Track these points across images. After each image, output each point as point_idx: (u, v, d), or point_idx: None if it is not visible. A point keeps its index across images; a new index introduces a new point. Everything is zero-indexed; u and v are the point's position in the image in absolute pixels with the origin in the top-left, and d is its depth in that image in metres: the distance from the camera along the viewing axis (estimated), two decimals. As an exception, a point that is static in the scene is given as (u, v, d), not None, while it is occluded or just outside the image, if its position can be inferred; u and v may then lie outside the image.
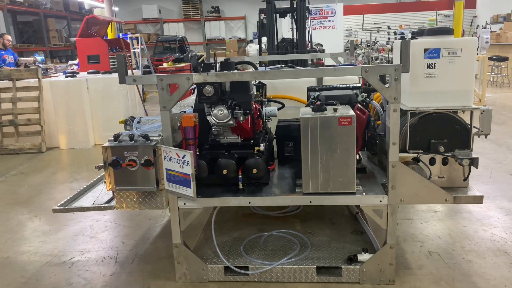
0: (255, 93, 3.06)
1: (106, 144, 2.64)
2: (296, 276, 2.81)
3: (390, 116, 2.53)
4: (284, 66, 4.15)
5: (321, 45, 18.24)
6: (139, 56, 11.31)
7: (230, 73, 2.61)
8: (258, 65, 4.04)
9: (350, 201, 2.70)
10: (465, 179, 2.73)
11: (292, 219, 3.56)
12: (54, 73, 8.45)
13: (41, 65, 8.44)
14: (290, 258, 2.90)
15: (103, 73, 7.24)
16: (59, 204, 2.95)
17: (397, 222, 3.66)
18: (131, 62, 10.11)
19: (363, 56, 17.82)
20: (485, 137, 2.73)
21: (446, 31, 2.69)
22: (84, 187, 3.28)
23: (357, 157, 3.19)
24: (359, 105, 3.09)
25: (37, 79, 6.80)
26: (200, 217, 3.21)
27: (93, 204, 2.94)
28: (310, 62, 8.26)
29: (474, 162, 2.61)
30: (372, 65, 2.50)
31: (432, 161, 2.73)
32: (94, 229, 3.85)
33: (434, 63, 2.63)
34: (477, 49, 12.05)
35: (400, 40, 2.47)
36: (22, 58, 8.23)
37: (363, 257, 2.80)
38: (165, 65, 10.44)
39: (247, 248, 3.10)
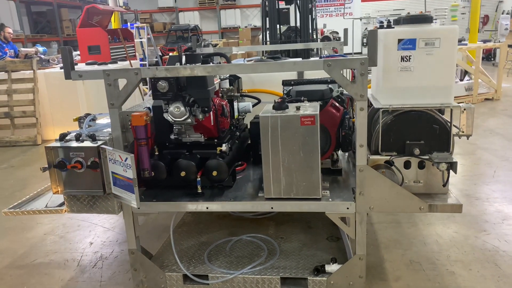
0: (217, 88, 2.82)
1: (51, 144, 2.47)
2: (258, 287, 2.60)
3: (357, 115, 2.27)
4: (267, 57, 3.90)
5: (337, 33, 17.77)
6: (145, 46, 11.17)
7: (181, 67, 2.38)
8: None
9: (315, 208, 2.46)
10: (444, 184, 2.45)
11: (268, 221, 3.34)
12: (57, 64, 8.39)
13: (42, 56, 8.39)
14: (254, 267, 2.69)
15: (99, 64, 7.12)
16: (10, 206, 2.82)
17: (383, 226, 3.41)
18: (135, 52, 9.99)
19: (380, 44, 17.22)
20: (467, 139, 2.44)
21: (423, 19, 2.40)
22: (45, 186, 3.14)
23: (334, 157, 2.95)
24: (334, 101, 2.84)
25: (32, 71, 6.72)
26: (174, 216, 3.03)
27: (45, 206, 2.79)
28: (315, 51, 7.96)
29: (452, 166, 2.32)
30: (335, 59, 2.23)
31: (407, 165, 2.46)
32: (66, 228, 3.72)
33: (409, 56, 2.35)
34: (496, 36, 11.43)
35: (368, 30, 2.20)
36: (23, 49, 8.18)
37: (331, 267, 2.57)
38: (171, 54, 10.23)
39: (212, 254, 2.90)
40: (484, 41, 10.30)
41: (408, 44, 2.34)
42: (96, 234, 3.59)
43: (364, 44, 18.51)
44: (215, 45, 18.48)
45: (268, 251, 2.88)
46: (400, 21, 2.47)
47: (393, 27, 2.51)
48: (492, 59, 14.76)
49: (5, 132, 6.85)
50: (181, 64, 2.83)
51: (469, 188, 4.07)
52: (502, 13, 17.03)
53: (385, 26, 2.65)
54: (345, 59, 2.24)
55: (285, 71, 2.32)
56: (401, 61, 2.37)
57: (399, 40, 2.35)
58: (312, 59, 3.47)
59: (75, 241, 3.49)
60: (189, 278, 2.68)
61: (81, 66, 7.38)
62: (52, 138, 6.95)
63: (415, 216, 3.54)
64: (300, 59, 4.21)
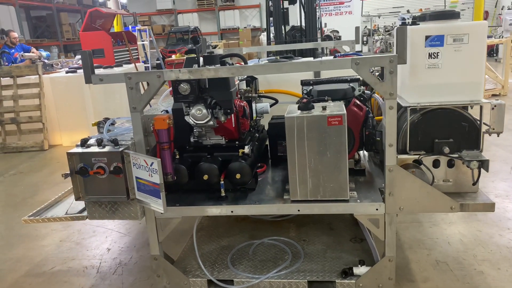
0: (237, 89, 2.78)
1: (72, 150, 2.42)
2: (285, 291, 2.56)
3: (386, 114, 2.22)
4: (280, 57, 3.84)
5: (337, 32, 17.71)
6: (147, 49, 11.10)
7: (204, 69, 2.34)
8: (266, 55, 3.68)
9: (343, 210, 2.42)
10: (475, 183, 2.40)
11: (288, 224, 3.29)
12: (60, 69, 8.33)
13: (46, 61, 8.33)
14: (280, 271, 2.64)
15: (104, 68, 7.07)
16: (30, 214, 2.77)
17: (404, 226, 3.36)
18: (138, 55, 9.93)
19: (381, 42, 17.25)
20: (497, 136, 2.39)
21: (451, 15, 2.35)
22: (62, 193, 3.09)
23: (357, 157, 2.90)
24: (356, 100, 2.79)
25: (38, 76, 6.66)
26: (190, 220, 2.99)
27: (66, 213, 2.74)
28: (320, 51, 7.91)
29: (484, 164, 2.28)
30: (363, 57, 2.19)
31: (436, 164, 2.41)
32: (82, 234, 3.67)
33: (437, 52, 2.31)
34: (501, 32, 11.40)
35: (396, 27, 2.16)
36: (26, 54, 8.12)
37: (360, 270, 2.52)
38: (173, 57, 10.17)
39: (234, 258, 2.85)
40: (487, 37, 10.27)
41: (436, 40, 2.29)
42: (113, 239, 3.53)
43: (364, 42, 18.49)
44: (215, 47, 18.47)
45: (292, 254, 2.83)
46: (426, 17, 2.43)
47: (418, 24, 2.47)
48: (494, 54, 14.74)
49: (11, 138, 6.80)
50: (199, 66, 2.78)
51: (487, 185, 4.02)
52: (502, 9, 17.02)
53: (407, 23, 2.59)
54: (374, 57, 2.19)
55: (311, 71, 2.27)
56: (429, 58, 2.32)
57: (427, 37, 2.30)
58: (328, 57, 3.42)
59: (92, 247, 3.43)
60: (213, 283, 2.63)
61: (86, 70, 7.31)
62: (59, 143, 6.92)
63: (436, 215, 3.49)
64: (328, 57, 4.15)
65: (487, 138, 2.43)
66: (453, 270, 2.74)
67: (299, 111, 2.36)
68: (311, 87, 2.99)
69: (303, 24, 7.65)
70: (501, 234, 3.16)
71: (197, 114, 2.51)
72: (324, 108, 2.35)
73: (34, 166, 5.96)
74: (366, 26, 19.11)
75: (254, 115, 3.18)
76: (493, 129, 2.34)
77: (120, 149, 2.35)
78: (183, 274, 2.65)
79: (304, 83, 3.09)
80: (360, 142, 2.73)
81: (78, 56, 10.24)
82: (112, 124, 2.72)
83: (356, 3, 19.09)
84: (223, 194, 2.58)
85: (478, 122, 2.36)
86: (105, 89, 6.71)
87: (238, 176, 2.54)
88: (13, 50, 8.46)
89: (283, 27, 7.62)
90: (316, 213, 2.45)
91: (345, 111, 2.31)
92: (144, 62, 11.06)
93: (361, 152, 3.01)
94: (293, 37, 8.00)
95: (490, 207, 2.33)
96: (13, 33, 8.55)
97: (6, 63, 8.00)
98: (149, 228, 2.58)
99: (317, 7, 7.96)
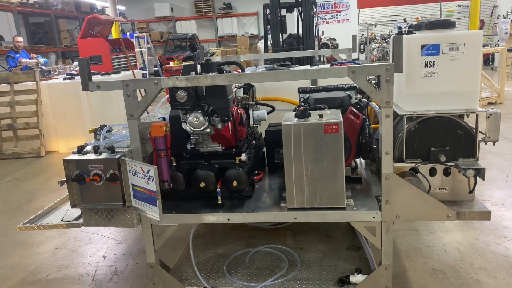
0: (234, 96, 2.78)
1: (69, 157, 2.41)
2: (281, 300, 2.54)
3: (382, 122, 2.23)
4: (277, 65, 3.86)
5: (335, 40, 17.81)
6: (145, 56, 11.12)
7: (202, 76, 2.34)
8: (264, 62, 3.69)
9: (340, 218, 2.42)
10: (471, 191, 2.41)
11: (285, 231, 3.28)
12: (58, 75, 8.33)
13: (43, 67, 8.34)
14: (276, 279, 2.63)
15: (102, 75, 7.07)
16: (25, 221, 2.75)
17: (401, 234, 3.36)
18: (136, 62, 9.95)
19: (377, 50, 17.36)
20: (493, 144, 2.40)
21: (446, 24, 2.37)
22: (58, 200, 3.07)
23: (353, 165, 2.91)
24: (353, 108, 2.80)
25: (35, 82, 6.66)
26: (187, 228, 2.97)
27: (61, 220, 2.72)
28: (317, 59, 7.95)
29: (480, 173, 2.29)
30: (360, 65, 2.20)
31: (432, 172, 2.42)
32: (77, 242, 3.65)
33: (433, 61, 2.32)
34: (496, 40, 11.49)
35: (392, 36, 2.17)
36: (23, 60, 8.13)
37: (356, 278, 2.51)
38: (171, 64, 10.19)
39: (231, 266, 2.84)
40: (483, 46, 10.34)
41: (431, 49, 2.31)
42: (109, 247, 3.52)
43: (361, 50, 18.59)
44: (213, 54, 18.53)
45: (289, 262, 2.82)
46: (422, 26, 2.44)
47: (414, 33, 2.48)
48: (490, 63, 14.84)
49: (8, 144, 6.78)
50: (196, 73, 2.78)
51: (484, 193, 4.02)
52: (498, 18, 17.16)
53: (404, 31, 2.61)
54: (370, 65, 2.20)
55: (308, 79, 2.27)
56: (425, 67, 2.33)
57: (423, 46, 2.32)
58: (325, 66, 3.44)
59: (87, 255, 3.41)
60: (209, 291, 2.62)
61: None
62: (56, 149, 6.90)
63: (433, 223, 3.49)
64: (325, 65, 4.17)
65: (483, 146, 2.44)
66: (450, 279, 2.74)
67: (296, 119, 2.36)
68: (308, 95, 3.00)
69: (301, 32, 7.71)
70: (497, 242, 3.16)
71: (194, 122, 2.51)
72: (321, 116, 2.36)
73: (30, 172, 5.94)
74: (363, 34, 19.24)
75: (251, 122, 3.18)
76: (489, 137, 2.35)
77: (117, 156, 2.34)
78: (179, 282, 2.64)
79: (301, 91, 3.11)
80: (356, 150, 2.73)
81: (76, 63, 10.25)
82: (109, 131, 2.72)
83: (353, 12, 19.20)
84: (219, 201, 2.57)
85: (474, 131, 2.37)
86: (103, 96, 6.70)
87: (235, 183, 2.54)
88: (18, 55, 8.49)
89: (280, 35, 7.67)
90: (312, 221, 2.44)
91: (341, 119, 2.32)
92: (142, 69, 11.07)
93: (357, 160, 3.01)
94: (291, 44, 8.05)
95: (486, 215, 2.34)
96: (18, 37, 8.60)
97: (8, 67, 8.01)
98: (145, 236, 2.57)
99: (314, 15, 8.02)
